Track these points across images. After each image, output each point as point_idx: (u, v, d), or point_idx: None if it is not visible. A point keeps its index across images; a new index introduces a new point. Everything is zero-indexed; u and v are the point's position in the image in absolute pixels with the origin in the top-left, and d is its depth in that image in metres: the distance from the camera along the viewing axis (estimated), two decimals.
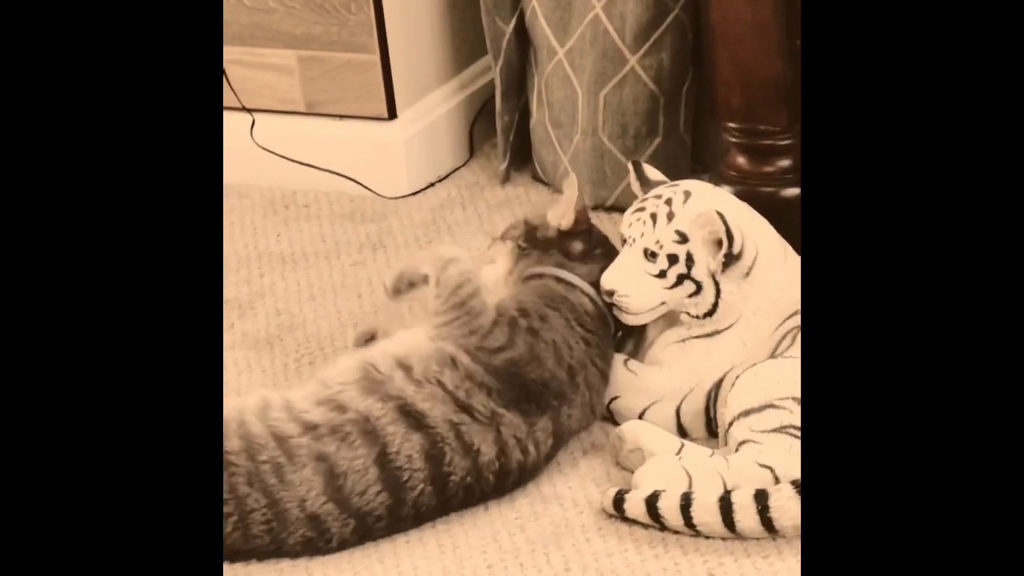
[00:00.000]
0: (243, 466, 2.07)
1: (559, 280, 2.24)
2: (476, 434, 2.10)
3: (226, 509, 2.06)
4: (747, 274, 2.23)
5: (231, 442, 2.08)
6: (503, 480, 2.14)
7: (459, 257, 2.22)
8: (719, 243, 2.19)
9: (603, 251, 2.30)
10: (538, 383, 2.16)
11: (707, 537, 2.03)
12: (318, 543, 2.08)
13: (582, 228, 2.28)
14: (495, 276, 2.31)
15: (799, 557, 1.98)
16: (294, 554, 2.09)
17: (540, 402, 2.15)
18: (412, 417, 2.09)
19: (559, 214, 2.27)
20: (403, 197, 2.85)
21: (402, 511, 2.09)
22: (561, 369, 2.16)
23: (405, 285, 2.25)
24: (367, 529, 2.09)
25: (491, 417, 2.12)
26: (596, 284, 2.26)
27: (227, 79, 2.90)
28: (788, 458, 2.07)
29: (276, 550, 2.08)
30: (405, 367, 2.13)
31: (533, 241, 2.30)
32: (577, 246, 2.28)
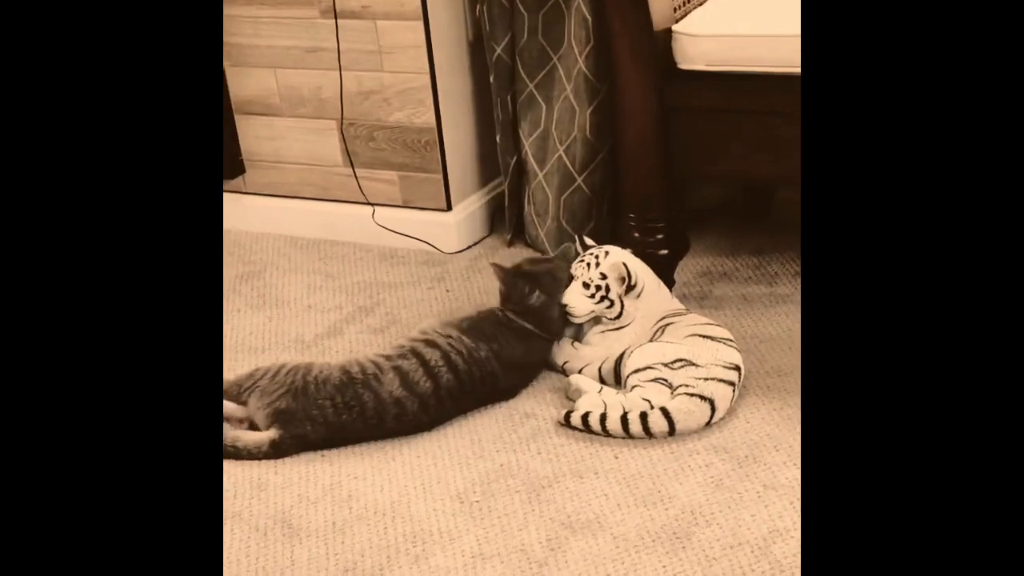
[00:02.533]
0: (359, 378, 2.05)
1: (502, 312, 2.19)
2: (459, 354, 2.09)
3: (353, 404, 2.02)
4: (638, 296, 2.22)
5: (354, 368, 2.06)
6: (482, 378, 2.09)
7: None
8: (623, 279, 2.19)
9: (542, 289, 2.18)
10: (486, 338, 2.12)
11: (614, 437, 2.03)
12: (403, 417, 2.04)
13: (508, 282, 2.17)
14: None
15: (663, 449, 1.98)
16: (391, 431, 2.04)
17: (484, 348, 2.11)
18: (437, 348, 2.10)
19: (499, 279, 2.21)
20: (455, 252, 2.82)
21: (440, 392, 2.06)
22: (493, 343, 2.13)
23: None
24: (425, 405, 2.05)
25: (459, 339, 2.11)
26: (531, 311, 2.16)
27: (359, 186, 2.88)
28: (658, 396, 2.04)
29: (379, 425, 2.03)
30: (422, 331, 2.15)
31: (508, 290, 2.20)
32: (524, 288, 2.18)
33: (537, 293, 2.16)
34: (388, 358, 2.10)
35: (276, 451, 2.03)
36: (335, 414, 2.04)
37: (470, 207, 2.89)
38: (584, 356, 2.24)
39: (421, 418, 2.06)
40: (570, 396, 2.17)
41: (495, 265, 2.18)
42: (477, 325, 2.15)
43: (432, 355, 2.09)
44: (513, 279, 2.17)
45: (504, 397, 2.15)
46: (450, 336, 2.13)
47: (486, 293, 2.58)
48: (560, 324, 2.21)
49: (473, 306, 2.28)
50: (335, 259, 2.88)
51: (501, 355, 2.12)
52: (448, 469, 2.01)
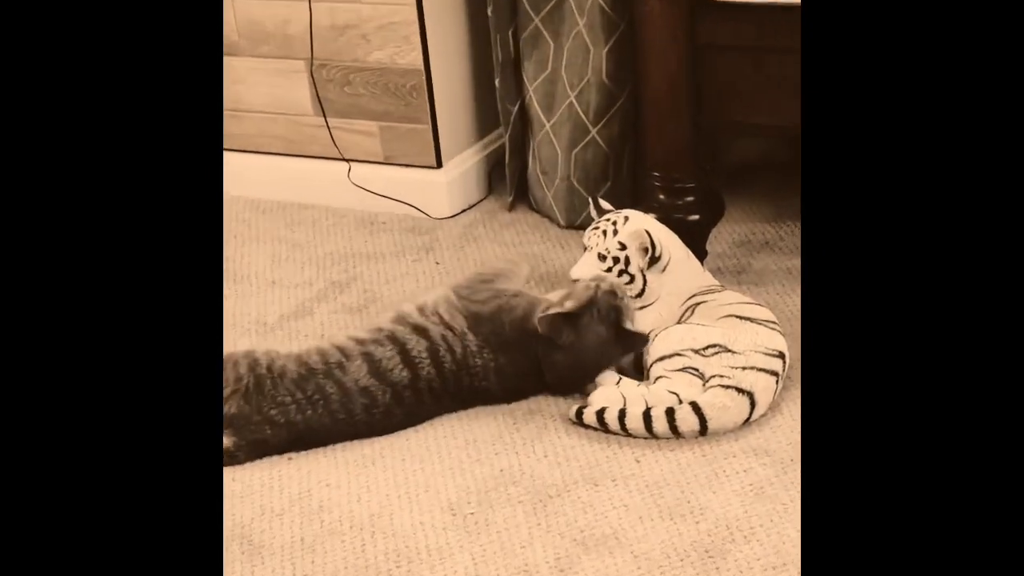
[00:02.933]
0: (320, 369, 2.06)
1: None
2: (454, 340, 2.09)
3: (317, 398, 2.03)
4: (663, 270, 2.24)
5: (312, 358, 2.06)
6: (471, 388, 2.09)
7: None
8: (646, 250, 2.22)
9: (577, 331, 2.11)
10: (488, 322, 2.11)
11: (635, 437, 2.03)
12: (372, 409, 2.05)
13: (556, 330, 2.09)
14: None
15: (692, 450, 1.99)
16: (362, 424, 2.05)
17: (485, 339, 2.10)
18: (421, 331, 2.10)
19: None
20: (445, 218, 2.83)
21: (419, 384, 2.07)
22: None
23: None
24: (400, 396, 2.06)
25: (462, 334, 2.10)
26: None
27: (332, 139, 2.88)
28: (688, 388, 2.05)
29: (350, 420, 2.05)
30: (420, 307, 2.14)
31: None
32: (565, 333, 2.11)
33: (565, 333, 2.10)
34: (360, 342, 2.10)
35: (231, 460, 2.04)
36: (297, 411, 2.04)
37: (464, 164, 2.90)
38: None
39: (393, 410, 2.07)
40: (583, 389, 2.16)
41: (542, 319, 2.07)
42: (497, 330, 2.11)
43: (416, 345, 2.09)
44: (560, 324, 2.09)
45: (496, 402, 2.14)
46: (451, 328, 2.11)
47: (482, 266, 2.55)
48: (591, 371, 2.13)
49: (507, 289, 2.20)
50: (304, 225, 2.89)
51: (505, 372, 2.11)
52: (438, 475, 2.01)
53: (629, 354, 2.14)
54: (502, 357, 2.11)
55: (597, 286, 2.11)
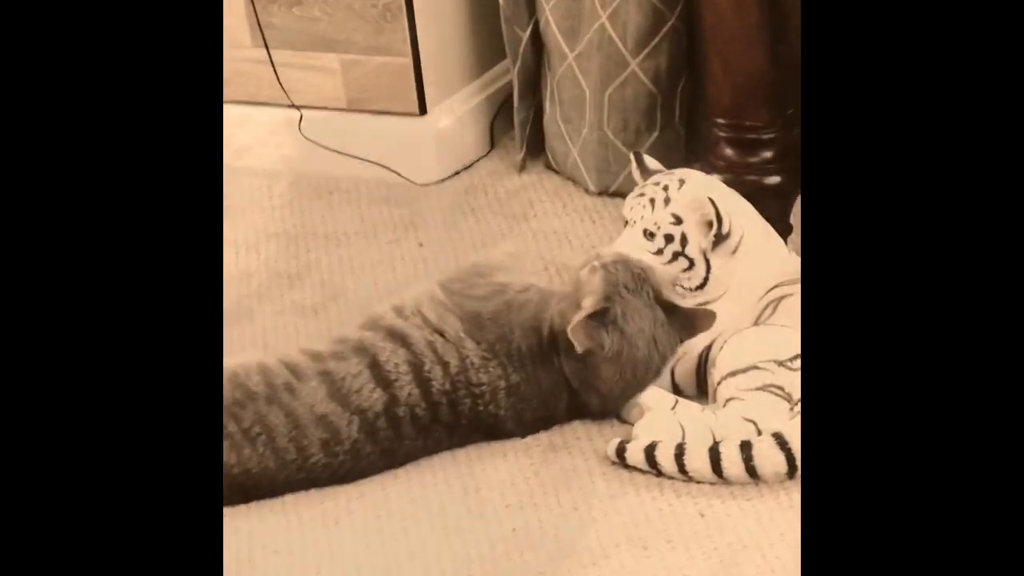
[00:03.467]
0: (262, 392, 2.08)
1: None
2: (447, 349, 2.11)
3: (256, 431, 2.06)
4: (734, 252, 2.23)
5: (252, 379, 2.09)
6: (472, 414, 2.12)
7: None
8: (709, 225, 2.20)
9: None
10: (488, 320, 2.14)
11: (698, 482, 2.02)
12: (334, 446, 2.07)
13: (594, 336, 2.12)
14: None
15: (778, 499, 1.99)
16: (320, 466, 2.08)
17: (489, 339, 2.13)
18: (398, 337, 2.12)
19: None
20: (432, 184, 2.84)
21: (398, 410, 2.09)
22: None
23: None
24: (371, 428, 2.08)
25: (458, 339, 2.12)
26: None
27: (278, 78, 2.90)
28: (770, 413, 2.05)
29: (304, 462, 2.07)
30: (397, 308, 2.16)
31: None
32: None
33: (608, 339, 2.11)
34: (316, 357, 2.12)
35: None
36: (231, 449, 2.07)
37: (457, 110, 2.91)
38: None
39: (362, 447, 2.09)
40: (625, 416, 2.17)
41: (575, 332, 2.08)
42: (506, 335, 2.14)
43: (391, 356, 2.11)
44: (594, 330, 2.11)
45: (507, 436, 2.17)
46: (441, 332, 2.13)
47: (484, 250, 2.60)
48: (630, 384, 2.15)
49: (511, 284, 2.22)
50: (239, 196, 2.89)
51: (520, 394, 2.14)
52: (427, 538, 2.01)
53: (692, 336, 2.17)
54: (515, 374, 2.13)
55: (603, 265, 2.14)
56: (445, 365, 2.11)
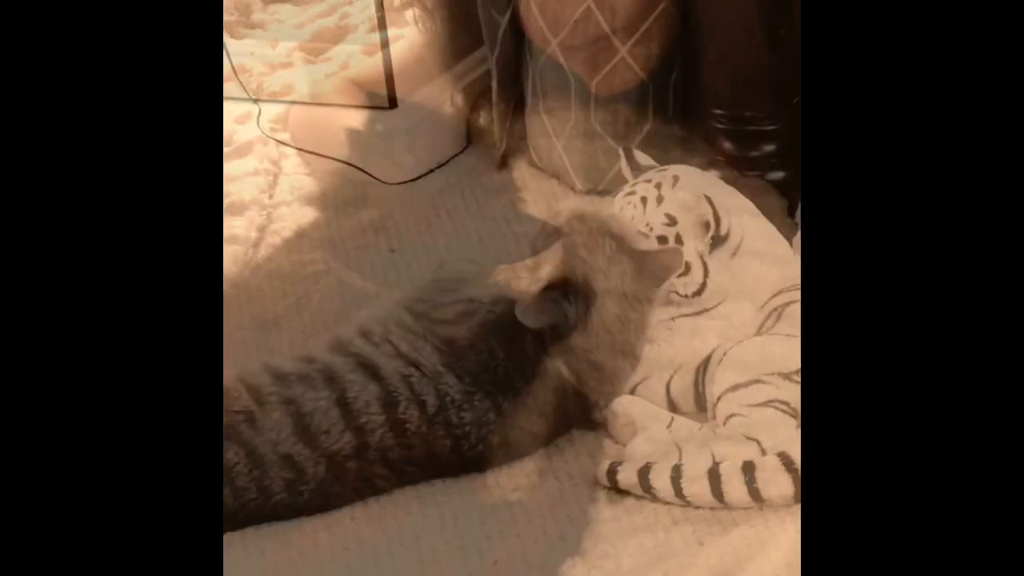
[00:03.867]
0: None
1: None
2: (423, 385, 2.10)
3: None
4: (733, 255, 2.24)
5: None
6: (455, 441, 2.12)
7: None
8: (706, 225, 2.21)
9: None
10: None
11: (696, 507, 2.03)
12: (299, 486, 2.07)
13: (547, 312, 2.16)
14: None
15: (784, 526, 1.99)
16: (283, 506, 2.08)
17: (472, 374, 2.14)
18: (369, 369, 2.12)
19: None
20: (403, 183, 2.83)
21: (368, 453, 2.09)
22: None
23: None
24: (340, 469, 2.08)
25: (436, 374, 2.12)
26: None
27: (233, 68, 2.92)
28: (774, 431, 2.07)
29: (265, 502, 2.07)
30: (364, 331, 2.16)
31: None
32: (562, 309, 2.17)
33: (571, 309, 2.15)
34: (279, 377, 2.13)
35: None
36: None
37: (430, 102, 2.91)
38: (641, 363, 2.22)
39: (329, 488, 2.10)
40: (617, 435, 2.16)
41: (526, 312, 2.11)
42: (488, 362, 2.14)
43: (361, 392, 2.11)
44: (550, 304, 2.14)
45: (495, 465, 2.17)
46: (416, 365, 2.12)
47: (458, 255, 2.61)
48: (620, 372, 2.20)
49: (480, 298, 2.22)
50: None
51: (514, 424, 2.13)
52: (401, 569, 2.02)
53: (666, 279, 2.20)
54: (507, 402, 2.12)
55: (556, 228, 2.17)
56: (422, 404, 2.11)
